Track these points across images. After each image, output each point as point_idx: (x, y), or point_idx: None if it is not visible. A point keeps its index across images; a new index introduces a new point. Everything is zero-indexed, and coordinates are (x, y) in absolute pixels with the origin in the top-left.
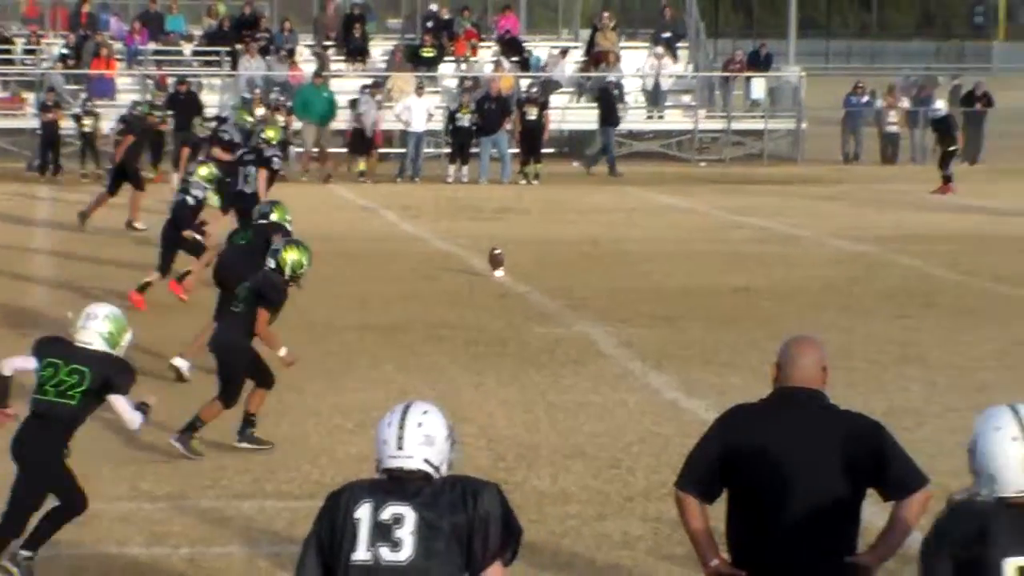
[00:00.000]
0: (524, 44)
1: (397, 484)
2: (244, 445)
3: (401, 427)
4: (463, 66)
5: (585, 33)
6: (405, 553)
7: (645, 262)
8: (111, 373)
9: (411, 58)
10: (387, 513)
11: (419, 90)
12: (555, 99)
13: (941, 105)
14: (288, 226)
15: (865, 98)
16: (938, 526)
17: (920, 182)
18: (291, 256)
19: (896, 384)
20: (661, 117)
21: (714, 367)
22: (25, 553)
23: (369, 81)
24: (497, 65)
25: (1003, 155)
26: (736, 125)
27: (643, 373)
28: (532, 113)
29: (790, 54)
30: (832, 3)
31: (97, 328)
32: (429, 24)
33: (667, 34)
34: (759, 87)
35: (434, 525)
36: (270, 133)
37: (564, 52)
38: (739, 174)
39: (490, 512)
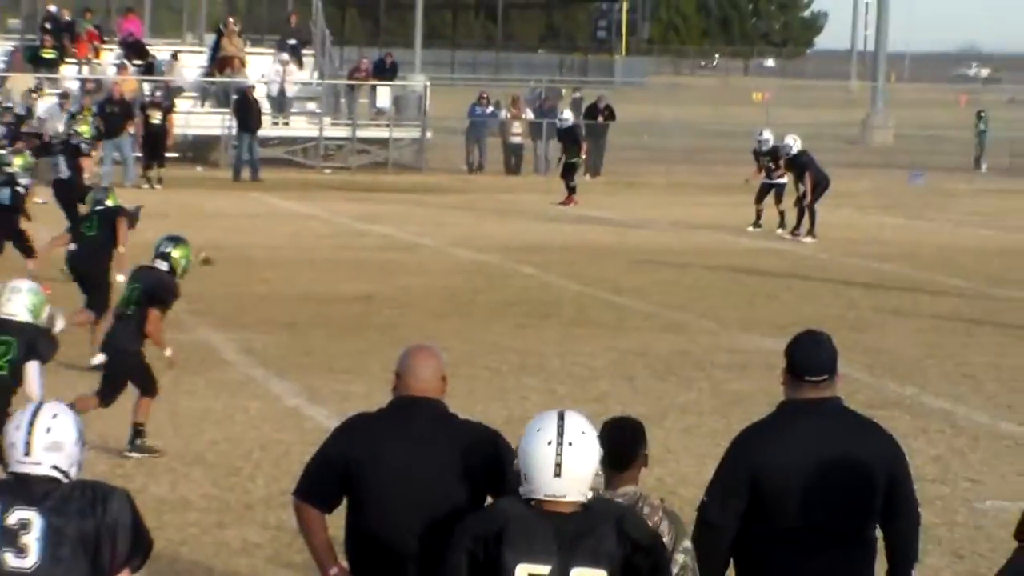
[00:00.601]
0: (149, 48)
1: (24, 488)
2: (135, 455)
3: (29, 432)
4: (86, 69)
5: (210, 38)
6: (31, 560)
7: (268, 268)
8: (36, 339)
9: (31, 59)
10: (13, 518)
11: (39, 91)
12: (179, 103)
13: (568, 115)
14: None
15: (490, 109)
16: (463, 521)
17: (543, 192)
18: (182, 255)
19: (516, 393)
20: (287, 124)
21: (336, 374)
22: None
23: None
24: (121, 68)
25: (623, 167)
26: (361, 133)
27: (265, 380)
28: (156, 117)
29: (416, 63)
30: (458, 14)
31: (22, 300)
32: (48, 25)
33: (293, 41)
34: (384, 96)
35: (61, 531)
36: (83, 128)
37: (175, 55)
38: (364, 182)
39: (119, 519)
